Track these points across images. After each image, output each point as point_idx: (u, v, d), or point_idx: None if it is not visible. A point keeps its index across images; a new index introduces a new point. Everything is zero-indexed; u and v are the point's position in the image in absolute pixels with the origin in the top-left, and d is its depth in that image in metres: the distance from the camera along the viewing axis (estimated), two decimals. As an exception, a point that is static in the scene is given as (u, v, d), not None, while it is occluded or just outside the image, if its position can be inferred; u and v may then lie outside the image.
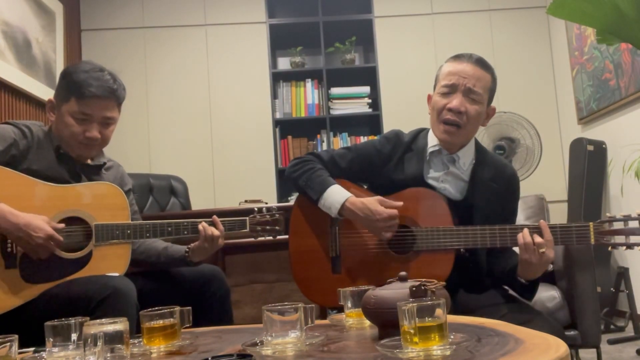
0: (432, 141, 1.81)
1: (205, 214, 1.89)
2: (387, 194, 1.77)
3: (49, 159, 1.71)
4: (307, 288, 1.81)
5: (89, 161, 1.83)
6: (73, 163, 1.77)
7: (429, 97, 1.85)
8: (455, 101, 1.72)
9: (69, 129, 1.71)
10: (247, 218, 1.90)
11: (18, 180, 1.62)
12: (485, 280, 1.77)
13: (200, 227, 1.81)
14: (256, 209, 1.94)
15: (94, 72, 1.73)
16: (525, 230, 1.57)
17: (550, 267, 2.11)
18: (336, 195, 1.74)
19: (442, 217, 1.70)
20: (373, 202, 1.70)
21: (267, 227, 1.92)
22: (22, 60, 3.47)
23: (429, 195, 1.75)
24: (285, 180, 1.88)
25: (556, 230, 1.58)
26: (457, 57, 1.79)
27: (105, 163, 1.88)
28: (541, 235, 1.56)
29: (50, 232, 1.57)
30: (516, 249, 1.65)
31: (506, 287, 1.79)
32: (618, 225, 1.56)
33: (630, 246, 1.52)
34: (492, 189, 1.77)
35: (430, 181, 1.78)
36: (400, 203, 1.70)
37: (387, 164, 1.82)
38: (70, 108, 1.71)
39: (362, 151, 1.85)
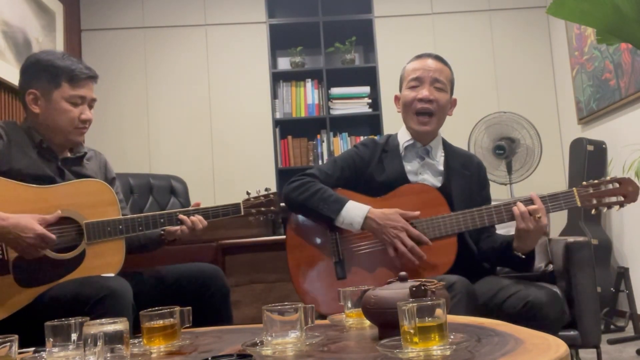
0: (405, 137, 1.96)
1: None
2: (377, 195, 1.85)
3: (30, 156, 1.69)
4: (313, 301, 1.80)
5: (68, 154, 1.81)
6: (55, 158, 1.75)
7: (397, 98, 2.00)
8: (425, 91, 1.87)
9: (66, 115, 1.72)
10: (241, 202, 1.90)
11: (3, 185, 1.60)
12: (482, 263, 1.87)
13: (187, 220, 1.80)
14: (248, 191, 1.93)
15: (69, 58, 1.77)
16: (519, 202, 1.71)
17: (551, 267, 2.13)
18: (356, 210, 1.78)
19: (440, 207, 1.80)
20: (393, 212, 1.76)
21: (262, 209, 1.91)
22: (22, 60, 3.47)
23: (423, 189, 1.84)
24: (288, 203, 1.91)
25: (545, 199, 1.73)
26: (419, 56, 1.96)
27: (86, 153, 1.86)
28: (534, 205, 1.70)
29: (41, 230, 1.54)
30: (506, 231, 1.74)
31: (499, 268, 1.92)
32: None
33: (609, 205, 1.74)
34: (465, 175, 1.93)
35: (410, 175, 1.90)
36: (418, 213, 1.77)
37: (368, 167, 1.92)
38: (64, 93, 1.71)
39: (347, 158, 1.96)
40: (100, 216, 1.71)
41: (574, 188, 1.74)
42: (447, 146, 1.99)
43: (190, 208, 1.86)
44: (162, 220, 1.78)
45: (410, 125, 1.92)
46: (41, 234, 1.54)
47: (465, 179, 1.92)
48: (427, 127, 1.89)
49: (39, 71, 1.74)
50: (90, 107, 1.80)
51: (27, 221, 1.54)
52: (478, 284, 1.73)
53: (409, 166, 1.92)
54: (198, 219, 1.82)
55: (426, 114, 1.87)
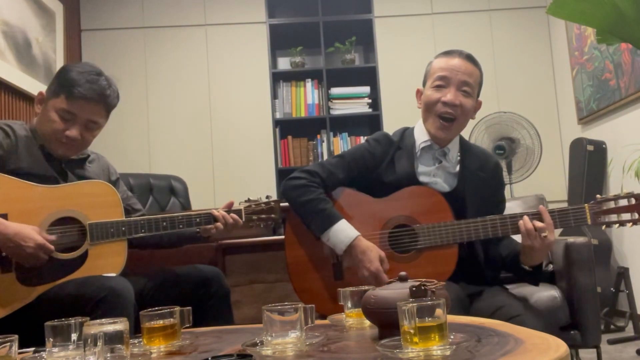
0: (423, 136, 1.84)
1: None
2: (382, 196, 1.80)
3: (35, 156, 1.70)
4: (310, 299, 1.78)
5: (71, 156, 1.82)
6: (58, 159, 1.76)
7: (418, 92, 1.87)
8: (450, 95, 1.75)
9: (50, 125, 1.70)
10: (242, 208, 1.90)
11: (8, 184, 1.61)
12: (486, 272, 1.80)
13: (220, 217, 1.82)
14: (249, 198, 1.94)
15: (90, 75, 1.72)
16: (526, 217, 1.62)
17: (551, 267, 2.13)
18: (342, 235, 1.73)
19: (442, 213, 1.73)
20: (375, 254, 1.70)
21: (263, 216, 1.91)
22: (22, 60, 3.47)
23: (426, 192, 1.78)
24: (286, 199, 1.89)
25: (554, 215, 1.64)
26: (448, 53, 1.82)
27: (89, 156, 1.88)
28: (541, 220, 1.61)
29: (41, 240, 1.55)
30: (517, 237, 1.69)
31: (505, 282, 1.84)
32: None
33: (622, 223, 1.62)
34: (481, 178, 1.82)
35: (422, 177, 1.81)
36: (386, 280, 1.68)
37: (379, 166, 1.83)
38: (58, 104, 1.70)
39: (356, 155, 1.86)
40: (103, 217, 1.72)
41: (585, 204, 1.64)
42: (464, 145, 1.88)
43: (193, 211, 1.86)
44: (164, 223, 1.78)
45: (429, 127, 1.81)
46: (41, 244, 1.55)
47: (480, 182, 1.82)
48: (446, 134, 1.79)
49: (56, 77, 1.75)
50: (88, 128, 1.74)
51: (28, 231, 1.55)
52: (478, 300, 1.69)
53: (424, 167, 1.83)
54: (233, 218, 1.84)
55: (449, 120, 1.77)
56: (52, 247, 1.58)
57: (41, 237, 1.56)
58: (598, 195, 1.67)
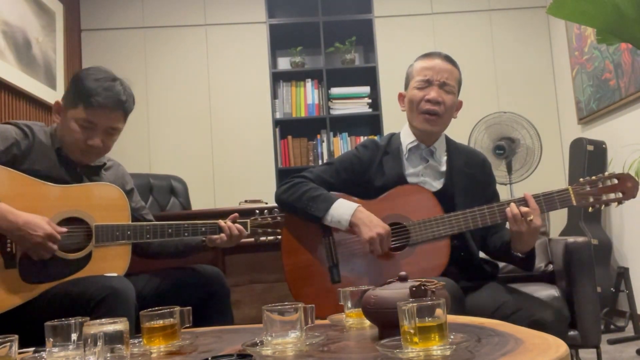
0: (409, 138, 1.90)
1: (210, 215, 1.90)
2: (373, 199, 1.82)
3: (50, 160, 1.71)
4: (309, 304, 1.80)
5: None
6: (74, 164, 1.77)
7: (401, 96, 1.95)
8: (433, 92, 1.83)
9: (72, 135, 1.71)
10: (249, 220, 1.91)
11: (19, 180, 1.62)
12: (484, 267, 1.83)
13: (226, 228, 1.84)
14: (257, 210, 1.94)
15: (106, 82, 1.72)
16: (512, 204, 1.67)
17: (551, 267, 2.13)
18: (344, 207, 1.77)
19: (432, 209, 1.77)
20: (380, 221, 1.74)
21: (269, 230, 1.92)
22: (22, 60, 3.47)
23: (415, 190, 1.81)
24: (280, 205, 1.92)
25: (540, 199, 1.68)
26: (428, 55, 1.91)
27: (105, 163, 1.88)
28: (527, 206, 1.65)
29: (49, 230, 1.56)
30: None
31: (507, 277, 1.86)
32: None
33: (607, 203, 1.66)
34: (468, 175, 1.87)
35: (410, 178, 1.86)
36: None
37: (368, 170, 1.88)
38: (77, 115, 1.70)
39: (344, 161, 1.91)
40: (110, 220, 1.73)
41: (569, 186, 1.68)
42: (450, 144, 1.93)
43: (199, 221, 1.87)
44: (169, 230, 1.79)
45: (416, 124, 1.86)
46: (50, 234, 1.56)
47: (468, 178, 1.86)
48: (433, 127, 1.84)
49: (72, 84, 1.75)
50: (109, 134, 1.75)
51: (37, 220, 1.56)
52: (479, 294, 1.71)
53: (411, 169, 1.87)
54: (238, 229, 1.85)
55: (434, 114, 1.83)
56: (59, 236, 1.59)
57: (50, 227, 1.57)
58: (581, 179, 1.70)
